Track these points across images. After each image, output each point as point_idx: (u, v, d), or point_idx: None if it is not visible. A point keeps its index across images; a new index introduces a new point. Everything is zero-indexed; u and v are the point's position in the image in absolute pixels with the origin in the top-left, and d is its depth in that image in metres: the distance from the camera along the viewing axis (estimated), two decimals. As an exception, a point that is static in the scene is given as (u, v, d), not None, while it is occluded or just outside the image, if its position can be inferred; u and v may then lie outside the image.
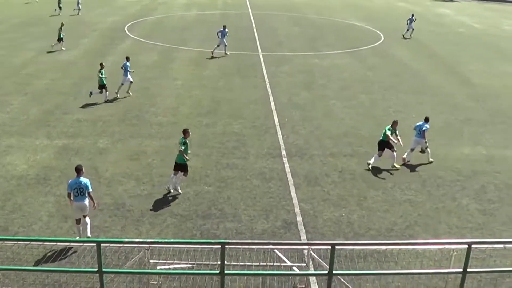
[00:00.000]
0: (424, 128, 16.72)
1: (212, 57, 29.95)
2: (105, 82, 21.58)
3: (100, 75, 21.53)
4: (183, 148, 13.82)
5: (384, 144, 16.09)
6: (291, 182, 15.00)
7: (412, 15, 40.54)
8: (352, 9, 55.63)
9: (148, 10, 48.86)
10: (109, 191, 14.20)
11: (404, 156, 16.84)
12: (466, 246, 7.70)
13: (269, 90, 24.12)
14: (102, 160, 16.16)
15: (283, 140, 18.17)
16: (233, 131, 18.92)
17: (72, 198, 11.33)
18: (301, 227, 12.70)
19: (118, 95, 22.26)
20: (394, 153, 16.21)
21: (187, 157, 13.95)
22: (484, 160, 17.50)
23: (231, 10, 49.71)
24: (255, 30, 39.43)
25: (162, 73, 26.58)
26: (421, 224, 13.22)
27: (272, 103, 22.16)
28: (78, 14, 44.05)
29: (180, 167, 14.00)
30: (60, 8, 44.00)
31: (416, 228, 13.01)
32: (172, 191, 14.16)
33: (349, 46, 34.94)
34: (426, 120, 17.05)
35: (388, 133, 15.98)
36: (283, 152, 17.17)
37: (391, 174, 16.14)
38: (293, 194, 14.34)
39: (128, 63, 22.22)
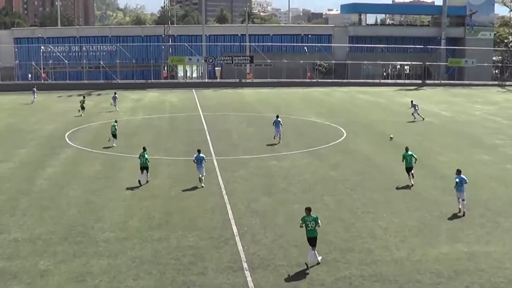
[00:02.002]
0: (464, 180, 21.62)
1: (167, 165, 30.00)
2: (147, 164, 26.36)
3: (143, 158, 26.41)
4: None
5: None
6: (255, 298, 14.89)
7: (412, 101, 47.23)
8: (311, 105, 57.87)
9: (90, 116, 49.80)
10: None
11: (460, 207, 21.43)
12: None
13: (226, 197, 24.39)
14: (43, 284, 15.82)
15: (244, 251, 18.17)
16: (188, 244, 18.89)
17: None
18: None
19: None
20: None
21: None
22: (466, 258, 17.62)
23: (180, 113, 51.02)
24: (207, 133, 40.40)
25: (108, 184, 26.71)
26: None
27: (230, 211, 22.32)
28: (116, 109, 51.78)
29: None
30: (83, 108, 49.68)
31: None
32: None
33: (309, 145, 35.96)
34: (459, 172, 21.94)
35: None
36: (245, 265, 17.13)
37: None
38: (259, 311, 14.20)
39: None
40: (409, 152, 26.25)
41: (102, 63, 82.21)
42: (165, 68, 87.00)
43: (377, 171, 29.21)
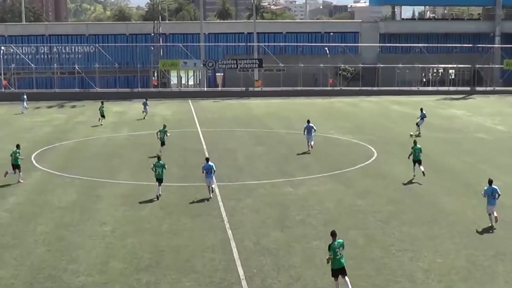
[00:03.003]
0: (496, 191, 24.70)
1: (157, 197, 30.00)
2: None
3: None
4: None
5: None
6: None
7: (421, 110, 48.35)
8: (334, 118, 57.88)
9: (62, 133, 50.06)
10: None
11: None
12: None
13: (229, 232, 24.30)
14: None
15: (253, 299, 18.00)
16: (184, 290, 18.74)
17: None
18: None
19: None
20: None
21: None
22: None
23: (175, 129, 50.74)
24: (206, 153, 40.26)
25: (84, 216, 26.64)
26: None
27: (235, 250, 22.24)
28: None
29: None
30: (103, 116, 54.54)
31: None
32: None
33: (331, 168, 35.90)
34: (491, 182, 24.95)
35: None
36: (253, 316, 16.98)
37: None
38: None
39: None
40: (418, 146, 32.82)
41: (77, 67, 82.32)
42: (155, 74, 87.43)
43: (416, 199, 29.09)
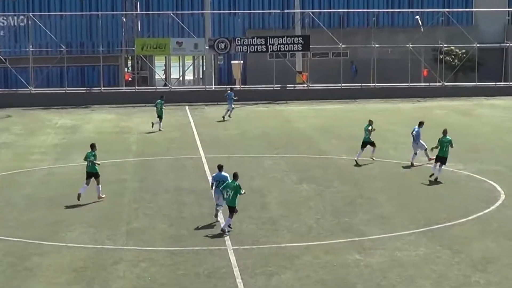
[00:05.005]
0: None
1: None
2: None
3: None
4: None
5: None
6: None
7: (421, 123, 47.34)
8: (430, 136, 55.71)
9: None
10: None
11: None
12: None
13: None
14: None
15: None
16: None
17: None
18: None
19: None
20: None
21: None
22: None
23: (161, 155, 50.98)
24: (213, 195, 39.23)
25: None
26: None
27: None
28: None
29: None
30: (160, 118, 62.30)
31: None
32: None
33: (426, 219, 35.05)
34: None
35: None
36: None
37: None
38: None
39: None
40: (448, 137, 39.47)
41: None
42: (129, 64, 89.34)
43: None
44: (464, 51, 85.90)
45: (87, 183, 37.99)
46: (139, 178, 45.07)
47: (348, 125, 64.04)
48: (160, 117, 60.46)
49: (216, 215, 33.67)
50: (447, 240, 31.90)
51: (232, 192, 31.94)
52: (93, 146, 38.40)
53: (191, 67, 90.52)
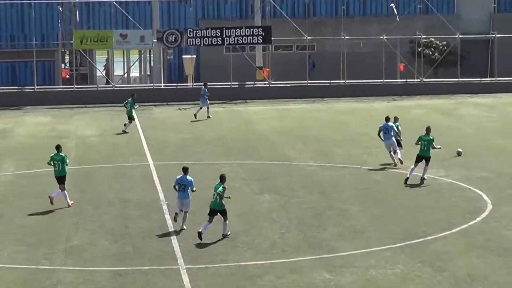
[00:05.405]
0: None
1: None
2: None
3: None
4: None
5: None
6: None
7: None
8: (408, 138, 55.64)
9: None
10: None
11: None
12: None
13: None
14: None
15: None
16: None
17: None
18: None
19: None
20: None
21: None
22: None
23: (103, 163, 50.65)
24: (164, 208, 39.61)
25: None
26: None
27: None
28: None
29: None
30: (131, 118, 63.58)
31: None
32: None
33: (404, 232, 34.82)
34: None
35: None
36: None
37: None
38: None
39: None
40: (429, 136, 40.13)
41: None
42: (66, 59, 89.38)
43: None
44: (445, 43, 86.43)
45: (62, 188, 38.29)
46: (79, 188, 44.18)
47: (315, 127, 64.16)
48: (130, 118, 61.46)
49: (175, 219, 34.33)
50: (428, 256, 31.53)
51: (218, 196, 33.05)
52: (58, 148, 38.28)
53: (137, 63, 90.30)
